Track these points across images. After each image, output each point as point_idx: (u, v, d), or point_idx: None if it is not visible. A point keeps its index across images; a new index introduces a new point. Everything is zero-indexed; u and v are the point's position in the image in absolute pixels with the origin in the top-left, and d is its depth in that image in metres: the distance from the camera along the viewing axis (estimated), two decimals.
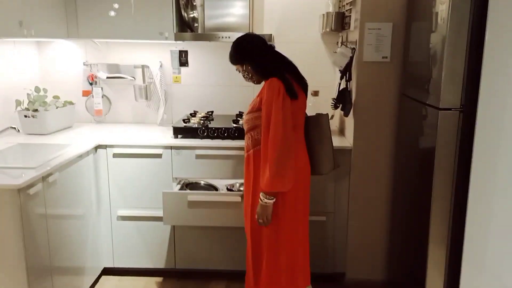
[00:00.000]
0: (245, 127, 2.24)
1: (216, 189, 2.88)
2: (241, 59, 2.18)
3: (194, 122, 2.96)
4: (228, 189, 2.84)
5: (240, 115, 3.18)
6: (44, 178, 2.19)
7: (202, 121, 2.97)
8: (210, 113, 3.26)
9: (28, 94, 2.93)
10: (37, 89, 2.97)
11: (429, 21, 2.12)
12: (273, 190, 2.06)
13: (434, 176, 1.99)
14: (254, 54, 2.16)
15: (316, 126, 2.28)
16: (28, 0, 2.51)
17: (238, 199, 2.56)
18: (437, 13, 2.03)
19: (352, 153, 2.67)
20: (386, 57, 2.52)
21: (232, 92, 3.32)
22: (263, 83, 2.21)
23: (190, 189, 2.81)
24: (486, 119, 1.66)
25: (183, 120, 2.97)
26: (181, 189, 2.78)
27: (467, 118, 1.90)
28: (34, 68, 3.24)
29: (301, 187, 2.20)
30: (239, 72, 2.26)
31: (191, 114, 3.22)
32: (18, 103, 2.88)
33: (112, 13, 2.88)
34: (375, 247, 2.77)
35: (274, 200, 2.10)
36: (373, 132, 2.63)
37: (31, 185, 2.07)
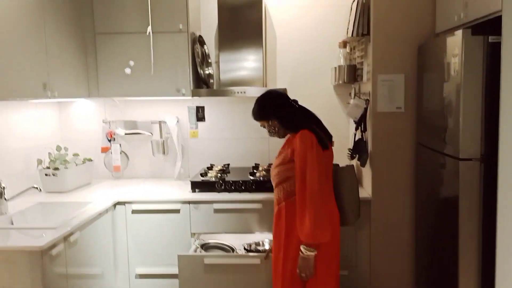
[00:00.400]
0: (276, 180, 2.24)
1: (233, 250, 2.83)
2: (267, 115, 2.23)
3: (211, 175, 2.98)
4: (246, 250, 2.78)
5: (256, 167, 3.20)
6: (65, 238, 2.19)
7: (219, 175, 2.99)
8: (227, 166, 3.29)
9: (49, 153, 3.00)
10: (58, 148, 3.05)
11: (441, 72, 2.17)
12: (315, 241, 2.04)
13: (460, 227, 1.96)
14: (280, 110, 2.21)
15: (344, 177, 2.30)
16: (51, 63, 2.62)
17: (258, 261, 2.49)
18: (449, 64, 2.08)
19: (372, 203, 2.65)
20: (400, 108, 2.55)
21: (247, 145, 3.36)
22: (287, 136, 2.27)
23: (206, 251, 2.75)
24: (508, 167, 1.65)
25: (201, 174, 3.00)
26: (196, 250, 2.72)
27: (488, 166, 1.89)
28: (55, 127, 3.34)
29: (335, 239, 2.19)
30: (264, 127, 2.30)
31: (207, 167, 3.26)
32: (39, 162, 2.95)
33: (128, 71, 2.99)
34: None
35: (315, 253, 2.07)
36: (391, 181, 2.62)
37: (53, 246, 2.08)
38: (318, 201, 2.02)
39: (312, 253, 2.05)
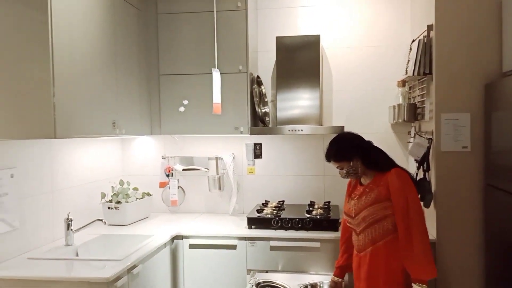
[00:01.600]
0: (368, 220, 2.21)
1: None
2: (350, 155, 2.26)
3: (267, 212, 2.98)
4: None
5: (311, 204, 3.17)
6: (129, 270, 2.24)
7: (274, 211, 2.98)
8: (282, 202, 3.28)
9: (112, 187, 3.12)
10: (121, 182, 3.17)
11: (511, 111, 2.10)
12: (432, 276, 2.11)
13: None
14: (364, 150, 2.27)
15: None
16: (120, 103, 2.78)
17: None
18: None
19: (436, 245, 2.54)
20: (466, 147, 2.48)
21: (302, 182, 3.35)
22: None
23: None
24: None
25: (257, 211, 3.00)
26: None
27: None
28: (118, 161, 3.48)
29: None
30: (341, 169, 2.31)
31: (262, 203, 3.26)
32: (103, 195, 3.06)
33: (182, 109, 3.12)
34: None
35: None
36: (458, 223, 2.51)
37: (118, 278, 2.12)
38: (426, 237, 2.12)
39: None
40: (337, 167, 2.33)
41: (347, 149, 2.27)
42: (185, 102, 3.13)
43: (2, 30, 2.10)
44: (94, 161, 3.14)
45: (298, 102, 3.14)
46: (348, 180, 2.45)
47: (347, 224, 2.37)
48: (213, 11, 2.96)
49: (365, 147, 2.28)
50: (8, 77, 2.12)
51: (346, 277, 2.54)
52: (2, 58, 2.11)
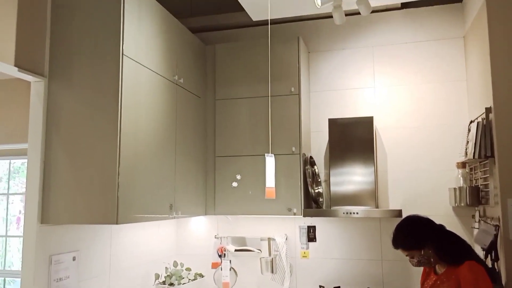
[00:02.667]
0: None
1: None
2: (421, 244, 2.13)
3: None
4: None
5: None
6: None
7: None
8: None
9: (166, 267, 3.14)
10: (175, 264, 3.18)
11: None
12: None
13: None
14: (437, 238, 2.12)
15: None
16: (178, 185, 2.87)
17: None
18: None
19: None
20: None
21: (359, 267, 3.20)
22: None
23: None
24: None
25: None
26: None
27: None
28: (172, 242, 3.52)
29: None
30: (411, 257, 2.17)
31: None
32: (157, 276, 3.07)
33: (235, 184, 3.16)
34: None
35: None
36: None
37: None
38: None
39: None
40: (406, 255, 2.19)
41: (418, 236, 2.12)
42: (238, 177, 3.18)
43: (78, 113, 2.26)
44: (150, 242, 3.19)
45: (352, 177, 3.09)
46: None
47: None
48: (268, 96, 3.08)
49: (437, 234, 2.12)
50: (76, 162, 2.23)
51: None
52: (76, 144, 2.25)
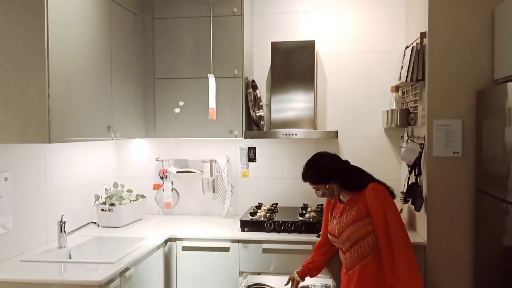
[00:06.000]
0: (352, 239, 2.21)
1: None
2: (326, 179, 2.29)
3: (260, 215, 3.00)
4: None
5: (305, 207, 3.19)
6: (121, 273, 2.25)
7: (268, 214, 3.00)
8: (275, 205, 3.30)
9: (106, 189, 3.13)
10: (115, 185, 3.17)
11: (502, 118, 2.14)
12: None
13: None
14: (340, 173, 2.28)
15: None
16: (115, 106, 2.78)
17: None
18: (510, 109, 2.05)
19: (427, 248, 2.57)
20: (457, 152, 2.51)
21: (296, 185, 3.36)
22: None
23: None
24: None
25: (250, 213, 3.02)
26: None
27: None
28: (112, 164, 3.49)
29: None
30: (317, 190, 2.35)
31: (256, 206, 3.28)
32: (97, 197, 3.07)
33: (177, 110, 3.14)
34: None
35: None
36: (448, 227, 2.54)
37: (110, 281, 2.13)
38: (411, 250, 2.10)
39: None
40: (313, 188, 2.37)
41: (323, 172, 2.29)
42: (181, 103, 3.14)
43: (2, 29, 2.11)
44: (88, 164, 3.14)
45: (293, 104, 3.15)
46: None
47: (333, 243, 2.39)
48: (210, 16, 2.97)
49: (341, 170, 2.29)
50: (3, 81, 2.12)
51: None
52: None
